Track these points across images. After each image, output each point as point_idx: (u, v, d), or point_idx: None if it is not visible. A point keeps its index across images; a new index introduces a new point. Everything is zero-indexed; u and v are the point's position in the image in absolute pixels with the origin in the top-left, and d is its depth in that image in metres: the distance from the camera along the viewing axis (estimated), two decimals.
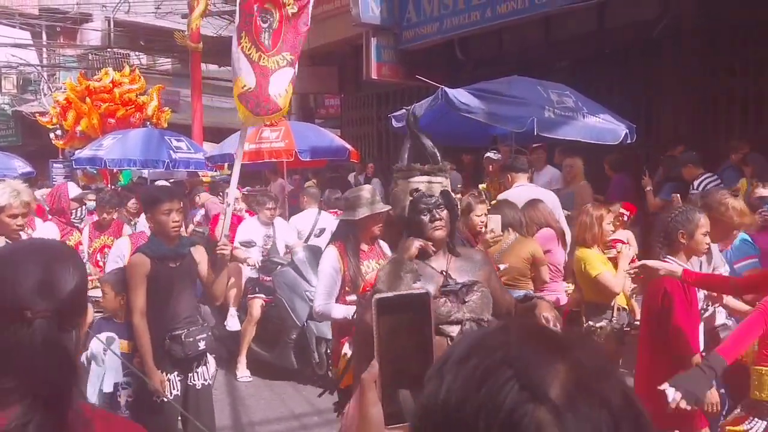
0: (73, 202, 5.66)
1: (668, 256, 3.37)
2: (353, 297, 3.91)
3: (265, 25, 3.94)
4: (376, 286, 2.72)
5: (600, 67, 9.12)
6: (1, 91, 22.56)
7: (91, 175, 13.29)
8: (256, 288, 6.52)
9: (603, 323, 4.40)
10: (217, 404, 4.54)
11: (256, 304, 6.42)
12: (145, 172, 12.47)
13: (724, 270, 3.90)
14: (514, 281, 4.52)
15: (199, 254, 3.95)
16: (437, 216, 2.73)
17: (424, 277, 2.72)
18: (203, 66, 14.70)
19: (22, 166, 14.14)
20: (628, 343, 4.52)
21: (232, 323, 6.67)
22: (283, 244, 6.74)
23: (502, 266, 3.29)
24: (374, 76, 10.21)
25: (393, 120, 7.37)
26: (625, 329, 4.49)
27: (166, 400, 3.63)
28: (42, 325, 1.21)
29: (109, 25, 20.24)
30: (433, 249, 2.73)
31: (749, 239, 4.18)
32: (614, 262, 4.50)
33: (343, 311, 3.87)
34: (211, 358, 4.03)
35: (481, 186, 6.56)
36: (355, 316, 3.60)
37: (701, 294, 3.48)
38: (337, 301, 3.95)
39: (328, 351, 5.68)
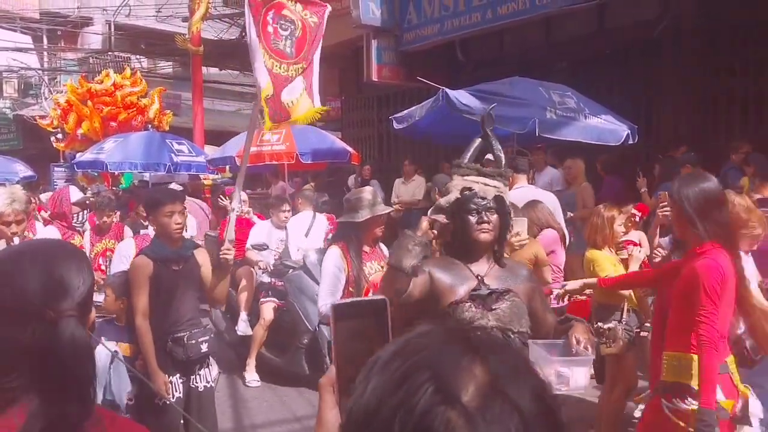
0: (74, 206, 5.67)
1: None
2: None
3: (286, 33, 3.92)
4: (388, 259, 2.69)
5: (600, 67, 9.12)
6: (2, 95, 22.60)
7: (92, 176, 13.30)
8: (268, 292, 6.43)
9: (612, 324, 4.38)
10: (219, 407, 4.54)
11: (268, 308, 6.34)
12: (147, 176, 12.48)
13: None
14: None
15: (203, 257, 3.95)
16: (485, 218, 2.66)
17: (457, 277, 2.67)
18: (204, 69, 14.71)
19: (23, 170, 14.15)
20: (638, 344, 4.53)
21: (243, 328, 6.59)
22: (295, 247, 6.64)
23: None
24: (375, 78, 10.22)
25: (394, 122, 7.37)
26: (636, 330, 4.48)
27: (168, 402, 3.63)
28: (70, 324, 1.22)
29: (109, 28, 20.24)
30: (444, 220, 2.65)
31: None
32: (626, 263, 4.48)
33: None
34: (213, 361, 4.03)
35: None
36: None
37: None
38: None
39: None
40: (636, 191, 7.03)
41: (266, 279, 6.50)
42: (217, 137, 14.27)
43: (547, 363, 2.40)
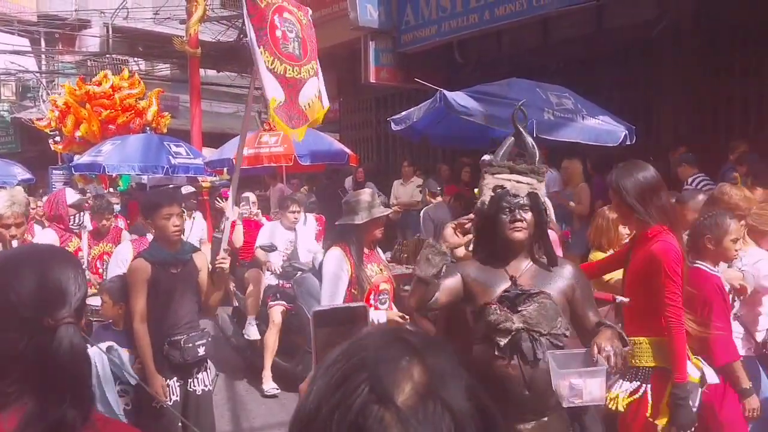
0: (71, 209, 5.64)
1: (697, 261, 3.33)
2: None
3: (292, 35, 3.89)
4: (415, 270, 2.66)
5: (599, 68, 9.11)
6: (0, 98, 22.57)
7: (89, 177, 13.26)
8: (276, 295, 6.30)
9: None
10: (218, 410, 4.53)
11: (277, 311, 6.21)
12: (144, 178, 12.46)
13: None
14: None
15: (201, 261, 3.94)
16: (518, 217, 2.60)
17: (493, 278, 2.63)
18: (202, 71, 14.67)
19: (21, 173, 14.12)
20: None
21: (251, 332, 6.47)
22: (304, 249, 6.55)
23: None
24: (372, 79, 10.21)
25: (392, 123, 7.36)
26: None
27: (165, 405, 3.62)
28: (69, 331, 1.23)
29: (107, 31, 20.23)
30: (465, 222, 2.58)
31: None
32: None
33: None
34: (211, 364, 4.02)
35: (476, 190, 6.53)
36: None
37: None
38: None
39: None
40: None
41: (274, 281, 6.39)
42: (215, 139, 14.25)
43: (557, 375, 2.34)
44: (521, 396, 2.47)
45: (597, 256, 4.45)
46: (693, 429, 2.92)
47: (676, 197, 4.41)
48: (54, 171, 16.45)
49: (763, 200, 4.11)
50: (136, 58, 21.15)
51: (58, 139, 15.36)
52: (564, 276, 2.67)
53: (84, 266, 5.81)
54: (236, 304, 7.14)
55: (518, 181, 2.68)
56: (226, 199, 8.83)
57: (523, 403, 2.48)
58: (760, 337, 3.62)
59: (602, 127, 6.73)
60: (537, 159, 2.82)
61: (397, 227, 9.64)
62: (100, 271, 5.85)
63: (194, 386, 3.84)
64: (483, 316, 2.56)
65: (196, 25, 12.51)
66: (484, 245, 2.77)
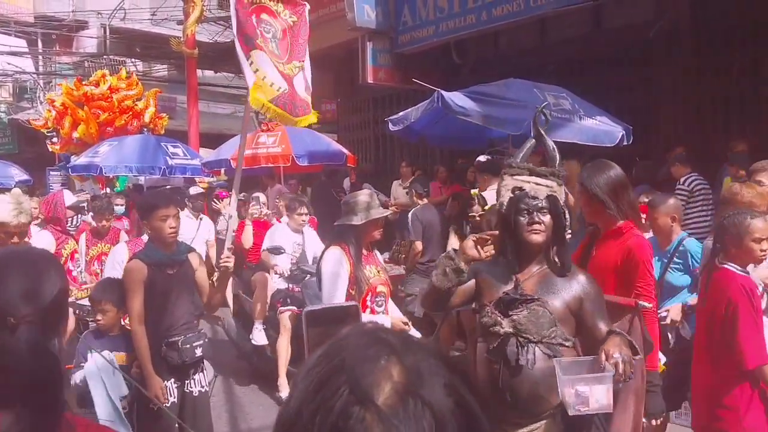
0: (69, 210, 5.64)
1: (725, 262, 3.28)
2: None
3: (269, 35, 3.90)
4: (431, 278, 2.68)
5: (596, 68, 9.11)
6: None
7: (86, 176, 13.25)
8: (287, 299, 6.11)
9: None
10: (216, 411, 4.52)
11: (288, 317, 6.03)
12: (142, 179, 12.45)
13: None
14: None
15: (197, 261, 3.93)
16: (536, 219, 2.58)
17: (501, 278, 2.62)
18: (199, 72, 14.68)
19: (18, 174, 14.11)
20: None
21: (258, 337, 6.32)
22: (312, 252, 6.34)
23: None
24: (370, 80, 10.19)
25: (389, 124, 7.35)
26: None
27: (163, 407, 3.61)
28: (26, 331, 1.20)
29: (104, 32, 20.21)
30: (488, 237, 2.55)
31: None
32: None
33: None
34: (208, 365, 4.01)
35: (473, 191, 6.54)
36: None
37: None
38: None
39: None
40: None
41: (283, 285, 6.21)
42: (213, 140, 14.22)
43: (562, 382, 2.32)
44: (503, 401, 2.46)
45: None
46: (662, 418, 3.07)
47: (649, 200, 4.41)
48: (51, 172, 16.42)
49: None
50: (133, 59, 21.12)
51: (55, 139, 15.32)
52: (572, 287, 2.64)
53: (81, 268, 5.80)
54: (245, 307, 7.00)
55: (537, 184, 2.66)
56: (223, 200, 8.86)
57: (508, 408, 2.47)
58: None
59: (600, 128, 6.73)
60: (558, 162, 2.81)
61: (396, 228, 9.63)
62: (98, 271, 5.84)
63: (191, 387, 3.84)
64: (479, 316, 2.57)
65: (193, 25, 12.53)
66: (503, 246, 2.76)
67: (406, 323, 4.19)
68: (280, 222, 6.86)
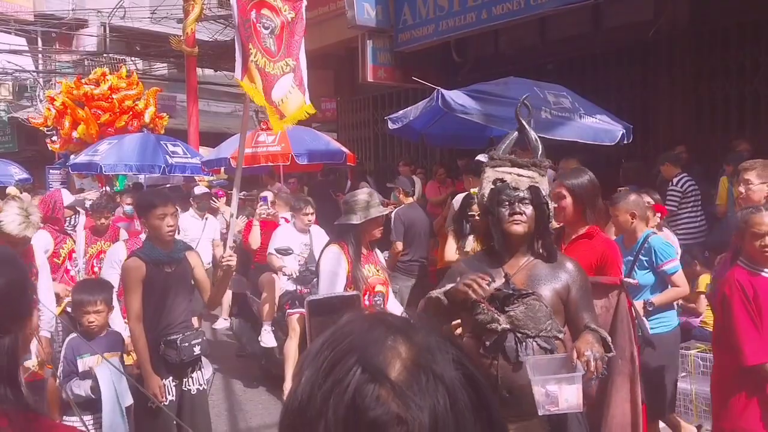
0: (67, 210, 5.62)
1: (741, 260, 3.23)
2: None
3: (267, 31, 3.89)
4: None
5: (596, 67, 9.11)
6: None
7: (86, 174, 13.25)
8: (295, 302, 5.90)
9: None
10: (214, 409, 4.51)
11: (297, 319, 5.85)
12: (141, 178, 12.44)
13: None
14: None
15: (195, 259, 3.92)
16: (518, 210, 2.56)
17: (484, 274, 2.57)
18: (199, 70, 14.67)
19: (18, 172, 14.14)
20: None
21: (267, 339, 6.19)
22: (319, 252, 6.22)
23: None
24: (370, 78, 10.18)
25: (389, 122, 7.34)
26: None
27: (162, 405, 3.60)
28: None
29: (104, 30, 20.19)
30: (488, 282, 2.46)
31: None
32: None
33: None
34: (206, 363, 4.00)
35: (473, 190, 6.53)
36: None
37: None
38: None
39: None
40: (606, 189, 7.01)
41: (291, 287, 6.05)
42: (212, 139, 14.23)
43: (533, 381, 2.30)
44: (502, 397, 2.43)
45: None
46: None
47: (611, 198, 4.36)
48: (51, 170, 16.41)
49: None
50: (133, 58, 21.11)
51: (54, 138, 15.31)
52: (561, 275, 2.63)
53: (80, 266, 5.79)
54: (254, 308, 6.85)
55: (519, 175, 2.64)
56: (221, 198, 8.84)
57: (505, 405, 2.43)
58: None
59: (600, 126, 6.72)
60: (540, 153, 2.78)
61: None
62: (96, 269, 5.83)
63: (189, 386, 3.83)
64: (473, 313, 2.54)
65: (193, 24, 12.52)
66: (487, 241, 2.75)
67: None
68: (288, 222, 6.78)
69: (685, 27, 8.17)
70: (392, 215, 6.75)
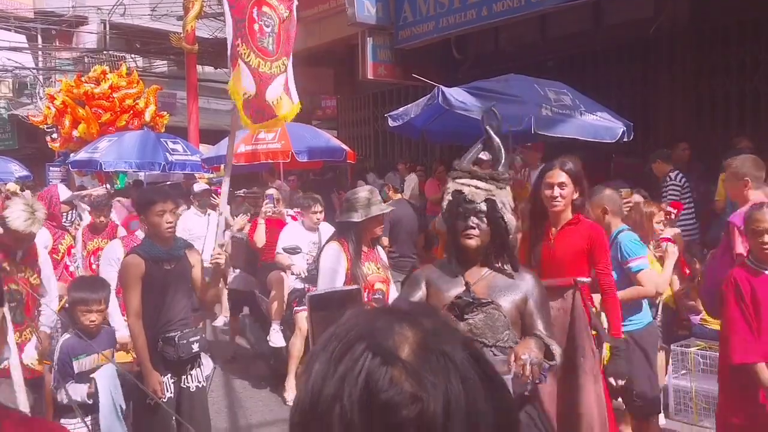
0: (63, 205, 5.61)
1: (749, 259, 3.22)
2: None
3: (268, 30, 3.87)
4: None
5: (597, 64, 9.10)
6: None
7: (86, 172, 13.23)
8: (303, 299, 5.77)
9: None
10: (215, 406, 4.51)
11: (304, 317, 5.66)
12: (141, 175, 12.43)
13: None
14: None
15: (194, 257, 3.91)
16: (471, 224, 2.54)
17: (449, 283, 2.60)
18: (199, 68, 14.63)
19: (18, 170, 14.11)
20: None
21: (276, 339, 6.11)
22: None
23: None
24: (370, 76, 10.17)
25: (389, 119, 7.33)
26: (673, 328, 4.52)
27: (160, 402, 3.60)
28: None
29: (104, 27, 20.17)
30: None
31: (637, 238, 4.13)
32: (662, 260, 4.42)
33: None
34: (206, 360, 3.99)
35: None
36: None
37: None
38: None
39: None
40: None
41: (299, 285, 5.98)
42: (212, 136, 14.20)
43: None
44: None
45: None
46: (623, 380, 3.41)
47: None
48: (51, 168, 16.39)
49: None
50: (133, 55, 21.08)
51: (54, 136, 15.29)
52: (521, 287, 2.62)
53: (78, 263, 5.79)
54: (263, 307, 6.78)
55: (477, 187, 2.61)
56: (219, 196, 8.81)
57: None
58: None
59: (600, 124, 6.71)
60: (501, 164, 2.76)
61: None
62: (94, 266, 5.83)
63: (188, 383, 3.82)
64: None
65: (193, 21, 12.48)
66: (449, 249, 2.76)
67: None
68: (296, 220, 6.73)
69: (686, 24, 8.16)
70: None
